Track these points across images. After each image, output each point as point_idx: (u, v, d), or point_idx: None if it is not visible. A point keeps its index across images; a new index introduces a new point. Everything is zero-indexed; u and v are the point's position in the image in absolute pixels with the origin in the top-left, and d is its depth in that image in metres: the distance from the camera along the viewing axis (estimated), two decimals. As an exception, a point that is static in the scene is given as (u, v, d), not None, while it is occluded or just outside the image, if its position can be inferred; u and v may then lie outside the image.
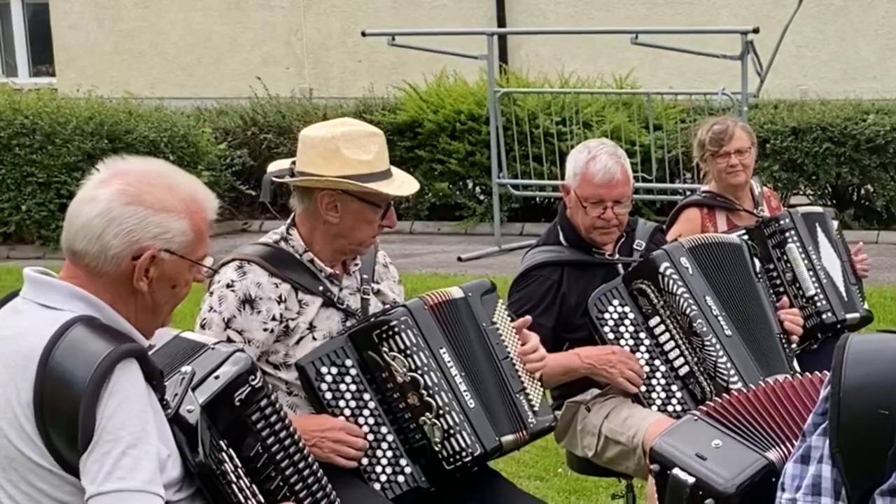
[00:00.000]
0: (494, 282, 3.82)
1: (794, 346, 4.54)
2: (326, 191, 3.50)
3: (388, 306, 3.66)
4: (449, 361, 3.54)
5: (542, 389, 3.75)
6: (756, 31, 10.34)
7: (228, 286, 3.48)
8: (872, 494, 2.31)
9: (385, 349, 3.49)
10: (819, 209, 5.33)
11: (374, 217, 3.54)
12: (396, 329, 3.49)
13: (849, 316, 4.96)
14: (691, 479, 2.52)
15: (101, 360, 2.39)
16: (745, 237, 4.84)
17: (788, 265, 4.93)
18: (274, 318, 3.48)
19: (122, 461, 2.37)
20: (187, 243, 2.59)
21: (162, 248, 2.55)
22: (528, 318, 3.88)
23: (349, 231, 3.55)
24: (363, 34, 12.23)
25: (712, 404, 2.81)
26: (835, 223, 5.20)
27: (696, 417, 2.71)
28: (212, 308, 3.48)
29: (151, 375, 2.49)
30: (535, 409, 3.66)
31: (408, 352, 3.49)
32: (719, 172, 5.25)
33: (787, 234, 4.96)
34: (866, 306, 5.15)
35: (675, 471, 2.56)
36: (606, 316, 4.20)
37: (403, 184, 3.58)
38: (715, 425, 2.66)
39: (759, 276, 4.48)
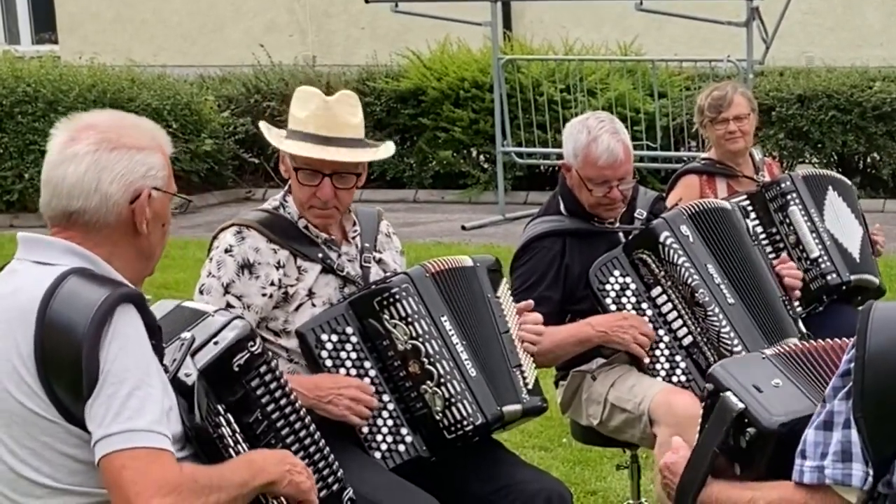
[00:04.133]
0: (499, 250, 3.84)
1: (797, 305, 4.51)
2: None
3: (389, 274, 3.65)
4: (450, 330, 3.53)
5: (535, 371, 3.74)
6: (762, -4, 10.28)
7: (227, 251, 3.47)
8: (893, 461, 2.30)
9: (386, 317, 3.48)
10: (841, 177, 5.25)
11: (305, 181, 3.48)
12: (397, 296, 3.48)
13: (853, 277, 4.90)
14: (740, 405, 2.55)
15: (99, 304, 2.39)
16: (747, 202, 4.82)
17: (791, 228, 4.89)
18: (272, 284, 3.47)
19: (128, 402, 2.37)
20: (166, 177, 2.61)
21: (152, 185, 2.57)
22: (531, 302, 3.87)
23: (295, 188, 3.54)
24: (366, 1, 12.17)
25: (786, 347, 2.80)
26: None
27: (763, 356, 2.72)
28: (210, 273, 3.47)
29: (149, 325, 2.48)
30: (529, 387, 3.65)
31: (409, 319, 3.48)
32: (718, 139, 5.23)
33: (789, 197, 4.91)
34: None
35: (728, 394, 2.59)
36: (608, 287, 4.17)
37: (339, 153, 3.44)
38: (780, 367, 2.66)
39: (753, 237, 4.46)
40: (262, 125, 3.64)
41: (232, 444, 2.61)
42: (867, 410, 2.31)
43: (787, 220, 4.89)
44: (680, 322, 4.18)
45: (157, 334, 2.51)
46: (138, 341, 2.43)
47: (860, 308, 2.44)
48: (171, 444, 2.41)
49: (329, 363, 3.47)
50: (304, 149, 3.44)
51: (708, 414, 2.67)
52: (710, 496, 2.57)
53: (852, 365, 2.34)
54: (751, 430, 2.54)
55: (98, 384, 2.37)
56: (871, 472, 2.32)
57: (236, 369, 2.65)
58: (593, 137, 4.16)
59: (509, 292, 3.80)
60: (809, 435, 2.39)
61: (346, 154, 3.46)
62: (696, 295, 4.15)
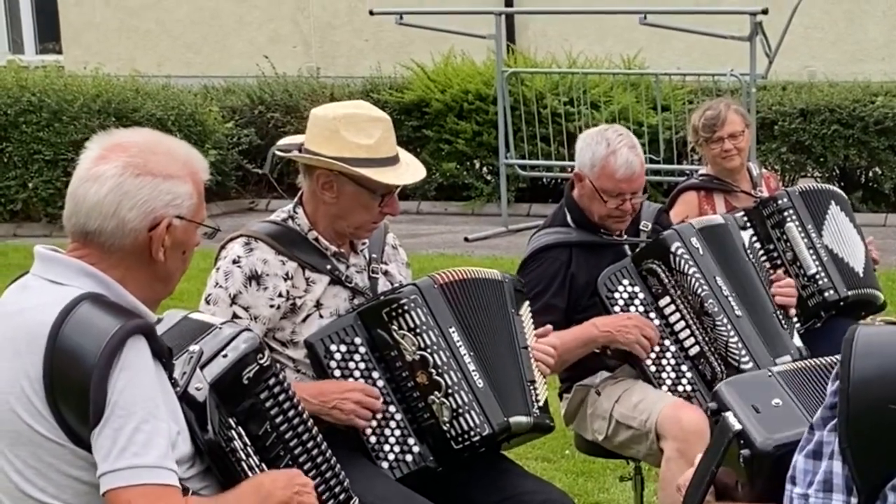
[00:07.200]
0: (502, 262, 3.86)
1: (794, 319, 4.52)
2: (322, 170, 3.50)
3: (397, 285, 3.66)
4: (458, 341, 3.55)
5: (547, 391, 3.76)
6: (765, 11, 10.28)
7: (235, 262, 3.48)
8: (883, 489, 2.29)
9: (394, 327, 3.49)
10: (839, 191, 5.25)
11: (371, 202, 3.51)
12: (406, 307, 3.49)
13: (851, 293, 4.91)
14: (737, 426, 2.57)
15: (111, 335, 2.39)
16: (745, 218, 4.84)
17: (788, 244, 4.89)
18: (280, 295, 3.48)
19: (135, 437, 2.37)
20: (194, 206, 2.61)
21: (174, 214, 2.56)
22: (549, 327, 3.89)
23: (346, 213, 3.54)
24: (370, 13, 12.19)
25: (796, 365, 2.81)
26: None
27: (770, 374, 2.73)
28: (217, 284, 3.48)
29: (160, 353, 2.49)
30: (540, 404, 3.67)
31: (417, 330, 3.49)
32: (714, 157, 5.25)
33: (786, 214, 4.91)
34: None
35: (728, 414, 2.62)
36: (616, 296, 4.20)
37: (405, 174, 3.53)
38: (784, 385, 2.67)
39: (750, 252, 4.48)
40: (295, 155, 3.57)
41: (244, 457, 2.62)
42: (853, 441, 2.28)
43: (784, 237, 4.90)
44: (687, 332, 4.21)
45: (167, 357, 2.52)
46: (147, 373, 2.43)
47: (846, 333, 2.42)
48: (176, 479, 2.41)
49: (337, 373, 3.49)
50: (387, 175, 3.47)
51: (712, 431, 2.69)
52: None
53: (837, 398, 2.33)
54: (744, 451, 2.55)
55: (105, 415, 2.37)
56: (853, 501, 2.31)
57: (246, 382, 2.66)
58: (612, 150, 4.19)
59: (530, 314, 3.81)
60: (799, 462, 2.39)
61: (418, 167, 3.60)
62: (706, 305, 4.18)
